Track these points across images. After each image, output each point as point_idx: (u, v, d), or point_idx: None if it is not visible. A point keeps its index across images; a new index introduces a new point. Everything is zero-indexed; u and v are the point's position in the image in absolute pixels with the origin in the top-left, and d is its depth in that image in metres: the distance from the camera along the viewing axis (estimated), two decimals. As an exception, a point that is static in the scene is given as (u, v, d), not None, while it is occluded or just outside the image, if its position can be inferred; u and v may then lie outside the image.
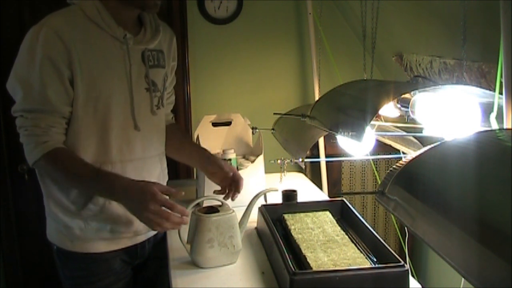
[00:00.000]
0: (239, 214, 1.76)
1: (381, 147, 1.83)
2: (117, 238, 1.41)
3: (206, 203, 1.48)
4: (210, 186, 1.75)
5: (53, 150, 1.27)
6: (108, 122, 1.34)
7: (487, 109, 1.03)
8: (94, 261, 1.40)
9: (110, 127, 1.34)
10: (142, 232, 1.46)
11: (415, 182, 0.82)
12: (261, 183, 1.84)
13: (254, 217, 1.65)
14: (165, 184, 1.51)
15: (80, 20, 1.29)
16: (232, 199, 1.50)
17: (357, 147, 1.61)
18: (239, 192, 1.51)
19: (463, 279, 1.07)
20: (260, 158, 1.86)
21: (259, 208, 1.63)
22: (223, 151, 1.81)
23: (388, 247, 1.30)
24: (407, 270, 1.20)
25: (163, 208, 1.20)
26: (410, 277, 1.23)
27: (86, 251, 1.38)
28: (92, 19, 1.30)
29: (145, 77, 1.40)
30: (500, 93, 0.92)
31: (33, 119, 1.28)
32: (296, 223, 1.53)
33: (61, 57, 1.26)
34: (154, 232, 1.51)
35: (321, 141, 2.37)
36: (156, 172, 1.49)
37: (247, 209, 1.45)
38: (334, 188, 2.49)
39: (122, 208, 1.32)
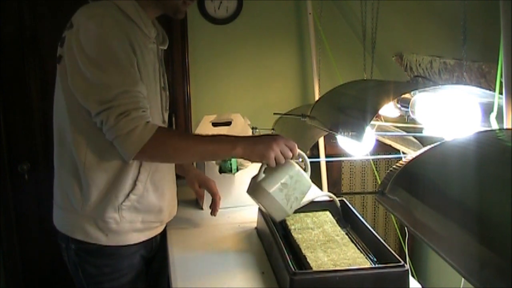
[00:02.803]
0: (236, 214, 1.77)
1: (381, 147, 1.83)
2: (146, 229, 1.45)
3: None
4: (211, 175, 1.76)
5: (160, 128, 1.25)
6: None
7: (487, 109, 1.03)
8: (119, 256, 1.42)
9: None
10: (165, 222, 1.53)
11: (415, 182, 0.82)
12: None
13: (254, 217, 1.65)
14: (175, 174, 1.58)
15: (120, 15, 1.30)
16: (213, 214, 1.66)
17: (357, 147, 1.61)
18: (215, 201, 1.66)
19: (463, 279, 1.07)
20: (260, 158, 1.86)
21: (259, 208, 1.63)
22: (223, 151, 1.81)
23: (388, 247, 1.30)
24: (407, 270, 1.20)
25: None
26: (410, 277, 1.23)
27: (120, 243, 1.41)
28: (131, 17, 1.31)
29: (162, 76, 1.46)
30: (500, 93, 0.92)
31: (130, 103, 1.22)
32: (296, 223, 1.53)
33: (128, 44, 1.26)
34: (165, 225, 1.57)
35: (321, 141, 2.37)
36: (173, 164, 1.56)
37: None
38: (334, 188, 2.49)
39: (156, 197, 1.42)
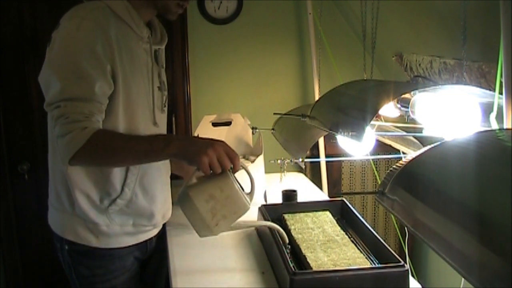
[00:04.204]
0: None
1: (381, 147, 1.83)
2: (139, 232, 1.45)
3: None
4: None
5: (97, 132, 1.21)
6: (136, 119, 1.36)
7: (487, 109, 1.03)
8: (112, 258, 1.42)
9: (138, 123, 1.36)
10: (158, 225, 1.52)
11: (415, 182, 0.82)
12: (261, 183, 1.84)
13: (254, 217, 1.65)
14: (169, 175, 1.56)
15: (110, 17, 1.29)
16: None
17: (357, 147, 1.61)
18: None
19: (463, 279, 1.07)
20: (260, 158, 1.86)
21: (259, 208, 1.63)
22: (223, 151, 1.80)
23: (388, 247, 1.30)
24: (407, 270, 1.20)
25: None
26: (410, 277, 1.23)
27: (112, 246, 1.40)
28: (122, 17, 1.31)
29: (158, 76, 1.45)
30: (500, 93, 0.92)
31: (75, 106, 1.20)
32: (296, 223, 1.53)
33: (103, 51, 1.24)
34: (160, 227, 1.56)
35: (321, 141, 2.37)
36: (167, 165, 1.54)
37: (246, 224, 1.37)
38: (334, 188, 2.49)
39: (146, 201, 1.41)
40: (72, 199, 1.37)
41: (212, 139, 1.22)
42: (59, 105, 1.21)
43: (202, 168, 1.17)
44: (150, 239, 1.51)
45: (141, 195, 1.41)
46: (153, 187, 1.44)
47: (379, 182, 1.83)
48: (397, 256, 1.24)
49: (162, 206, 1.50)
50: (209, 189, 1.18)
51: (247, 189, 1.25)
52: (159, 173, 1.47)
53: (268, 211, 1.56)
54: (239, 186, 1.21)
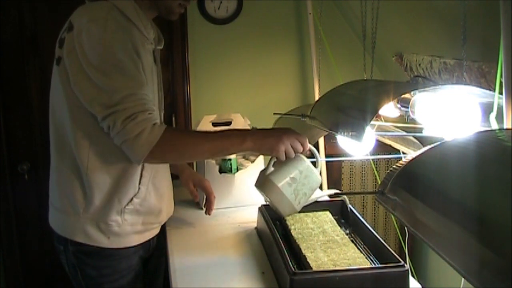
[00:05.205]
0: (236, 214, 1.77)
1: (381, 147, 1.83)
2: (146, 230, 1.46)
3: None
4: (211, 175, 1.75)
5: (167, 128, 1.24)
6: None
7: (487, 109, 1.03)
8: (119, 257, 1.42)
9: None
10: (163, 222, 1.53)
11: (415, 182, 0.82)
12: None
13: (254, 217, 1.66)
14: (170, 173, 1.57)
15: (121, 17, 1.29)
16: (208, 213, 1.68)
17: (357, 147, 1.61)
18: (210, 201, 1.68)
19: (463, 279, 1.07)
20: (260, 158, 1.86)
21: (259, 208, 1.63)
22: (223, 151, 1.81)
23: (388, 247, 1.30)
24: (407, 270, 1.20)
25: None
26: (410, 277, 1.23)
27: (122, 246, 1.41)
28: (131, 18, 1.31)
29: (157, 77, 1.46)
30: (500, 93, 0.92)
31: (137, 105, 1.21)
32: (296, 223, 1.53)
33: (132, 47, 1.25)
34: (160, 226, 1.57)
35: (321, 141, 2.37)
36: (168, 164, 1.55)
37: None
38: (334, 188, 2.49)
39: (156, 199, 1.43)
40: (85, 201, 1.36)
41: (280, 128, 1.34)
42: (118, 109, 1.20)
43: (279, 156, 1.27)
44: (153, 237, 1.52)
45: (153, 193, 1.42)
46: (162, 185, 1.46)
47: (379, 182, 1.83)
48: (397, 256, 1.24)
49: (168, 203, 1.51)
50: (290, 173, 1.29)
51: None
52: (166, 171, 1.49)
53: (268, 211, 1.55)
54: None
